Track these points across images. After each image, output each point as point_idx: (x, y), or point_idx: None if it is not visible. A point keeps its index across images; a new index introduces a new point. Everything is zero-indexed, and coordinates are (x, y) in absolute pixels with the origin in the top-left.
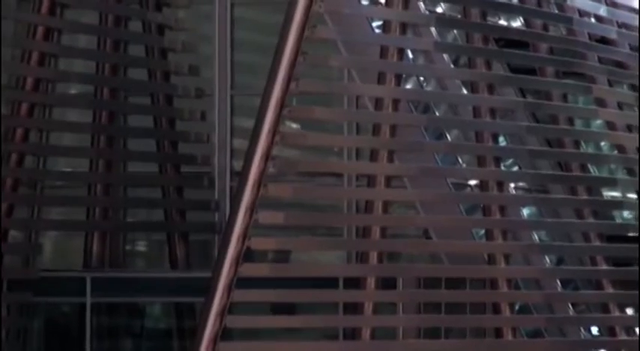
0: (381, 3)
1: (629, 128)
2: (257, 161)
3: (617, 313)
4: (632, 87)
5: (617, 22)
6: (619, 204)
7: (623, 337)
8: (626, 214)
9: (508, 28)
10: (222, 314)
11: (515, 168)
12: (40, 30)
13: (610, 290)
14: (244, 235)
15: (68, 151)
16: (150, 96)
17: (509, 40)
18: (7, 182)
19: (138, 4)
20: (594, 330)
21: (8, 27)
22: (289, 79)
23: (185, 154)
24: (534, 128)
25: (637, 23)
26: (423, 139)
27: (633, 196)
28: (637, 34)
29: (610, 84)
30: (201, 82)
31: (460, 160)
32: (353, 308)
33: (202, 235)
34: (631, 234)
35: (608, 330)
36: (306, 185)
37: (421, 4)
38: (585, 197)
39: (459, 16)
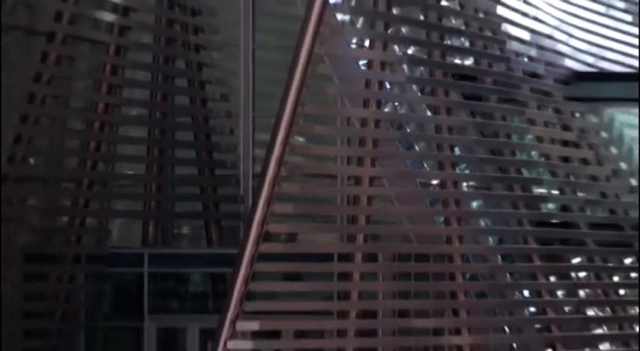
0: (365, 46)
1: (553, 141)
2: (272, 166)
3: (543, 280)
4: (556, 110)
5: (544, 61)
6: (545, 198)
7: (547, 297)
8: (550, 206)
9: (462, 65)
10: (246, 281)
11: (467, 171)
12: (109, 66)
13: (538, 263)
14: (263, 222)
15: (130, 159)
16: (191, 117)
17: (462, 75)
18: (84, 182)
19: (182, 47)
20: (526, 293)
21: (82, 64)
22: (297, 104)
23: (218, 160)
24: (481, 141)
25: (560, 62)
26: (397, 150)
27: (556, 192)
28: (559, 70)
29: (539, 108)
30: (230, 106)
31: (425, 165)
32: (345, 276)
33: (231, 222)
34: (554, 221)
35: (536, 293)
36: (309, 184)
37: (396, 47)
38: (519, 193)
39: (425, 56)
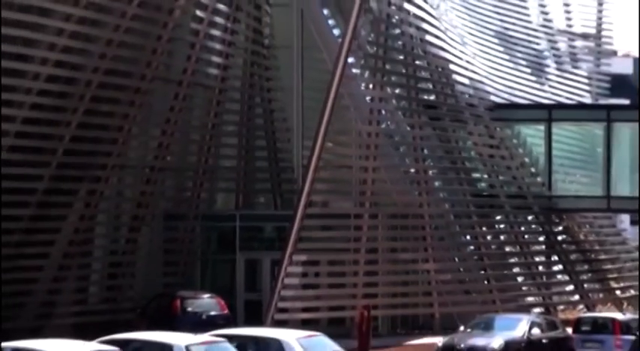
0: (370, 88)
1: (484, 145)
2: (314, 160)
3: (478, 230)
4: (486, 126)
5: (478, 97)
6: (479, 179)
7: (481, 240)
8: (482, 184)
9: (428, 99)
10: (299, 231)
11: (432, 163)
12: (215, 100)
13: (475, 219)
14: (309, 194)
15: (228, 156)
16: (265, 131)
17: (428, 105)
18: (200, 171)
19: (259, 89)
20: (468, 237)
21: (198, 99)
22: (328, 123)
23: (281, 157)
24: (440, 145)
25: (487, 97)
26: (390, 150)
27: (486, 175)
28: (487, 102)
29: (475, 124)
30: (288, 125)
31: (407, 160)
32: (358, 228)
33: (289, 195)
34: (485, 193)
35: (474, 237)
36: (335, 171)
37: (388, 89)
38: (463, 176)
39: (405, 94)
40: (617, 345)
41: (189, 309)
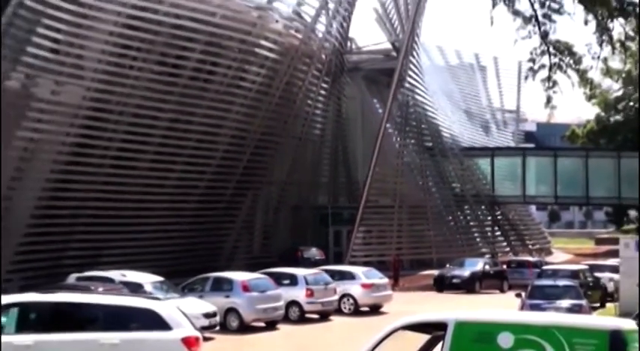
0: (397, 139)
1: (455, 169)
2: (370, 177)
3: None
4: (459, 159)
5: (456, 145)
6: (454, 188)
7: None
8: (457, 190)
9: (429, 145)
10: (362, 217)
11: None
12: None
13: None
14: (367, 196)
15: (323, 173)
16: (344, 163)
17: (427, 147)
18: (307, 183)
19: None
20: None
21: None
22: (378, 156)
23: (354, 177)
24: (433, 170)
25: (459, 142)
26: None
27: (458, 185)
28: (459, 145)
29: (453, 158)
30: (357, 159)
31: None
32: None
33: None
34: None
35: None
36: (383, 184)
37: (406, 139)
38: (449, 187)
39: (416, 142)
40: (530, 273)
41: (305, 256)
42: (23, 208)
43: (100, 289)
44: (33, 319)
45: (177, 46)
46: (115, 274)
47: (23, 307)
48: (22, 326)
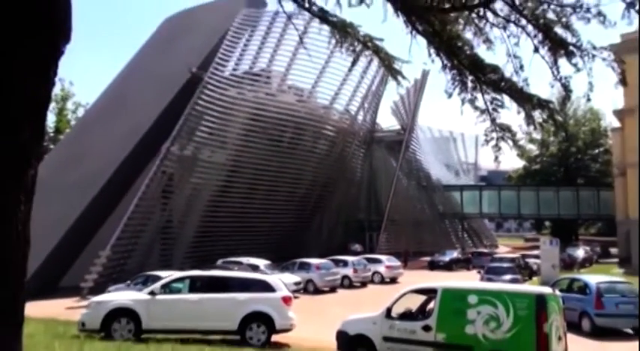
0: (405, 179)
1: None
2: (388, 206)
3: None
4: (442, 192)
5: (440, 185)
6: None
7: None
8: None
9: (423, 184)
10: (386, 226)
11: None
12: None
13: None
14: (388, 214)
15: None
16: (375, 195)
17: (423, 185)
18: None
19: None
20: None
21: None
22: (393, 193)
23: (380, 203)
24: (427, 197)
25: (441, 182)
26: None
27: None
28: (441, 184)
29: (437, 191)
30: (382, 193)
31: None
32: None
33: (381, 214)
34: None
35: None
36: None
37: (412, 182)
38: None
39: (416, 182)
40: (486, 259)
41: (352, 249)
42: (190, 226)
43: (236, 268)
44: (198, 285)
45: (279, 129)
46: (244, 260)
47: (192, 278)
48: (192, 289)
